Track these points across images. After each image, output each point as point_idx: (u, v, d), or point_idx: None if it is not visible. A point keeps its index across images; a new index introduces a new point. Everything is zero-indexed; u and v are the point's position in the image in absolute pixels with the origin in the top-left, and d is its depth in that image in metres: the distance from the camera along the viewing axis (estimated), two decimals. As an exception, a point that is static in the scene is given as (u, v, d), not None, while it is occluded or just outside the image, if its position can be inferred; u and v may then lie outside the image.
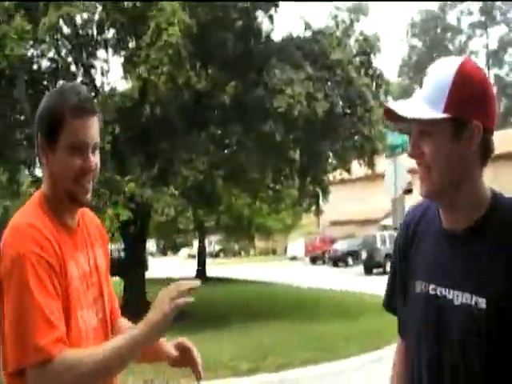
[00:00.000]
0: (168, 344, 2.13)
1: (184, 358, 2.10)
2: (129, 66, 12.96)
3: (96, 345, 1.79)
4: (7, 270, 1.64)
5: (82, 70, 13.92)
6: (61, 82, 13.89)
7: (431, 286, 1.64)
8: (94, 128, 1.77)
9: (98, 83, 14.48)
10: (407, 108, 1.60)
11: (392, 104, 1.64)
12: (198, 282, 1.82)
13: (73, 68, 13.81)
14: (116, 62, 13.97)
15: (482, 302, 1.50)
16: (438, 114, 1.54)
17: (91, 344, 1.80)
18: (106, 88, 14.18)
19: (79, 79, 14.08)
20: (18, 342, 1.61)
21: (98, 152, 1.81)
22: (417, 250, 1.73)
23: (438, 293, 1.61)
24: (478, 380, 1.52)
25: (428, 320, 1.63)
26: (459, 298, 1.56)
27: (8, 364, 1.64)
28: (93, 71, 14.28)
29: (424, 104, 1.57)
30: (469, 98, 1.54)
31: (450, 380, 1.58)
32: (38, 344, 1.59)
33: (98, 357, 1.65)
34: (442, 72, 1.57)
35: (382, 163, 16.46)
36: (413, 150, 1.61)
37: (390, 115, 1.65)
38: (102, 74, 14.56)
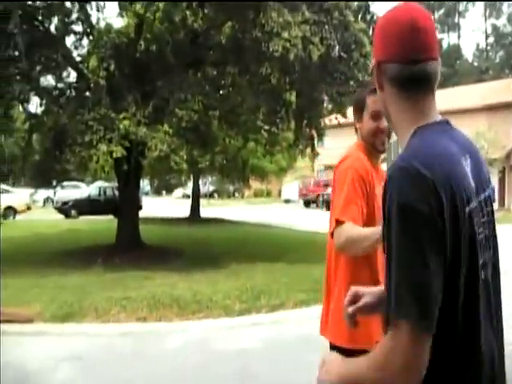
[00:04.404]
0: None
1: None
2: (124, 3, 12.73)
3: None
4: (341, 173, 2.89)
5: (77, 5, 13.64)
6: (55, 18, 13.67)
7: None
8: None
9: (93, 19, 14.26)
10: None
11: None
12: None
13: (68, 4, 13.53)
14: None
15: None
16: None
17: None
18: (102, 24, 13.96)
19: (74, 15, 13.85)
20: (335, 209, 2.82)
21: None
22: None
23: None
24: None
25: None
26: None
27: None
28: (88, 7, 14.02)
29: None
30: (373, 47, 1.71)
31: None
32: (340, 211, 2.77)
33: (361, 237, 2.69)
34: None
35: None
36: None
37: None
38: (98, 9, 14.34)
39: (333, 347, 2.85)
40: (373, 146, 2.96)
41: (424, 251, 1.36)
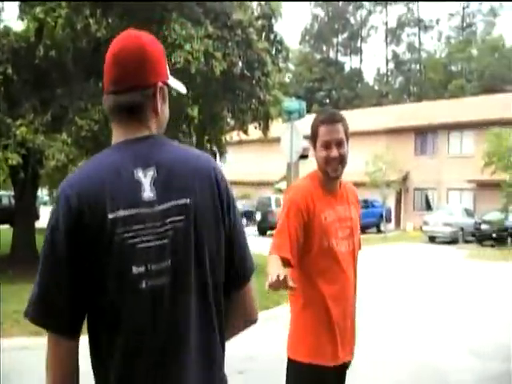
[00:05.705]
0: None
1: None
2: (25, 6, 12.46)
3: (347, 263, 3.03)
4: (284, 204, 3.04)
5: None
6: None
7: None
8: (335, 130, 3.00)
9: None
10: None
11: None
12: None
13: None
14: (12, 2, 13.54)
15: None
16: None
17: (345, 260, 3.02)
18: (0, 26, 13.59)
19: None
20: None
21: (344, 144, 3.02)
22: None
23: None
24: None
25: None
26: None
27: None
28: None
29: None
30: None
31: None
32: (272, 243, 3.06)
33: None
34: None
35: (280, 127, 16.66)
36: None
37: None
38: (-4, 11, 13.97)
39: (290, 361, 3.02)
40: (325, 173, 3.06)
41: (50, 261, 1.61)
